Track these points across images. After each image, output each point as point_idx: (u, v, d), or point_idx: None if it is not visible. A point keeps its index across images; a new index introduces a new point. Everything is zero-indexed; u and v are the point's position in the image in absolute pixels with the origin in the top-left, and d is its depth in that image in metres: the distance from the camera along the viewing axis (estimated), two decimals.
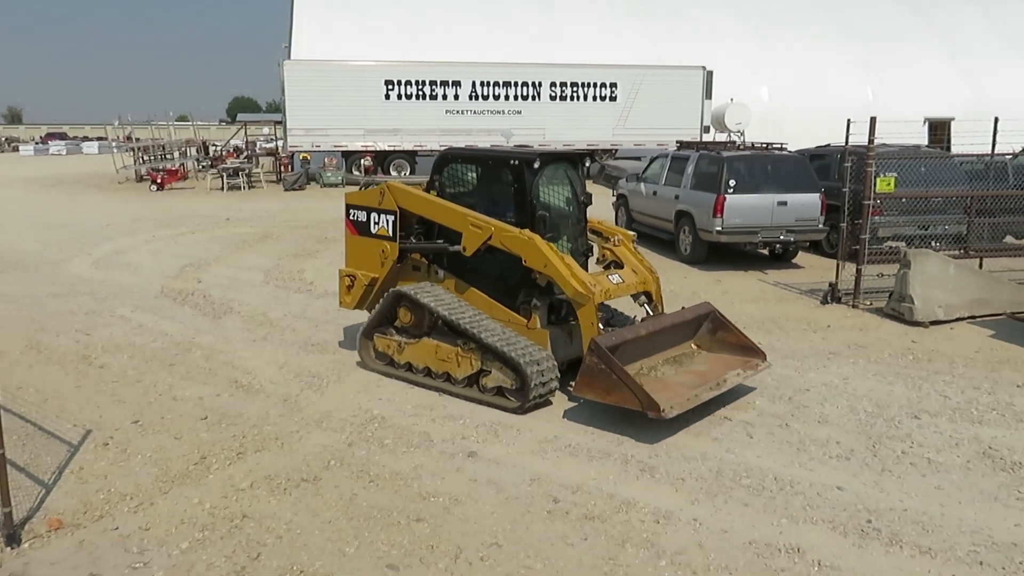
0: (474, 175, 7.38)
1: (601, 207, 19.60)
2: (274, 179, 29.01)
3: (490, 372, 6.48)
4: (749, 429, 6.12)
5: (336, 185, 26.96)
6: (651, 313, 7.05)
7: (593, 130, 29.28)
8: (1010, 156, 14.07)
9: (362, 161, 27.96)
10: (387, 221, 7.34)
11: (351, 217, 7.67)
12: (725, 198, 12.15)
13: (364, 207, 7.53)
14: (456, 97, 28.50)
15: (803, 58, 34.91)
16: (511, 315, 6.86)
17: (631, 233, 7.56)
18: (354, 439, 5.91)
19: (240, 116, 54.24)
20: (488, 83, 28.55)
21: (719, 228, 12.28)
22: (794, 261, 13.55)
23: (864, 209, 10.00)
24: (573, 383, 6.26)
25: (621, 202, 16.15)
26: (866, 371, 7.66)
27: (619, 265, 7.19)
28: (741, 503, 4.97)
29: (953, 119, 31.33)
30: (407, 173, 28.37)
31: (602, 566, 4.26)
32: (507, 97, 28.77)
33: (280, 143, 29.72)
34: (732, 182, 12.26)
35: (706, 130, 29.62)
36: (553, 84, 28.95)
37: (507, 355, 6.24)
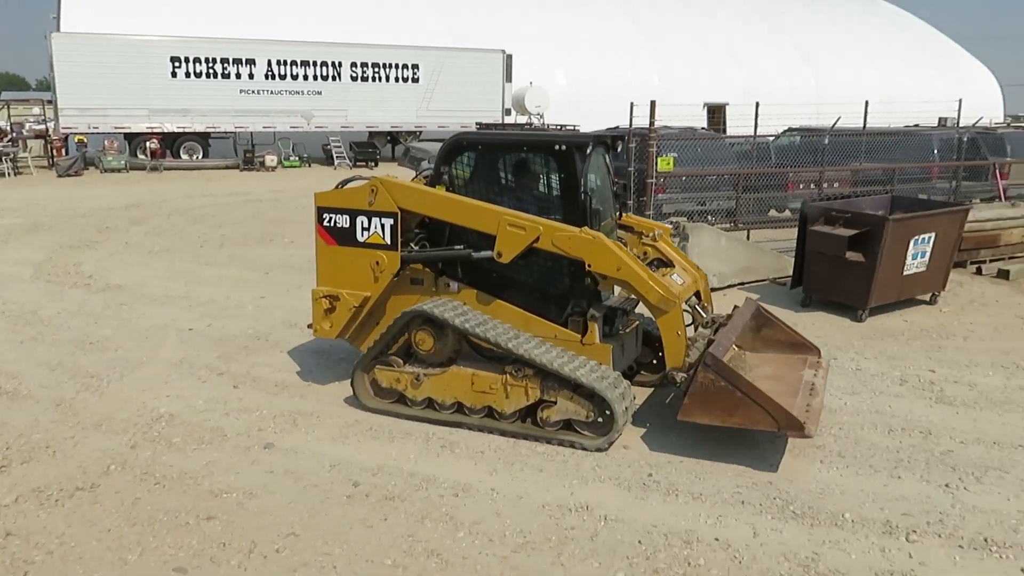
0: (500, 165, 6.14)
1: None
2: (46, 164, 26.24)
3: (554, 403, 5.46)
4: None
5: (119, 170, 24.83)
6: (703, 314, 6.30)
7: (397, 112, 29.04)
8: (772, 138, 15.62)
9: (147, 144, 25.93)
10: (382, 225, 6.03)
11: (326, 223, 6.23)
12: None
13: (346, 210, 6.14)
14: (251, 76, 27.08)
15: (599, 45, 36.62)
16: (558, 330, 5.83)
17: (668, 226, 6.86)
18: (138, 440, 5.53)
19: (3, 95, 48.46)
20: (285, 62, 27.38)
21: None
22: None
23: (647, 187, 10.70)
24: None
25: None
26: None
27: (665, 263, 6.39)
28: (536, 469, 5.20)
29: (728, 104, 34.17)
30: (199, 156, 26.71)
31: (401, 544, 4.30)
32: (306, 77, 27.77)
33: (51, 125, 26.85)
34: None
35: (507, 113, 30.31)
36: (354, 64, 28.32)
37: (581, 382, 5.26)
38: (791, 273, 9.84)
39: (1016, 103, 53.94)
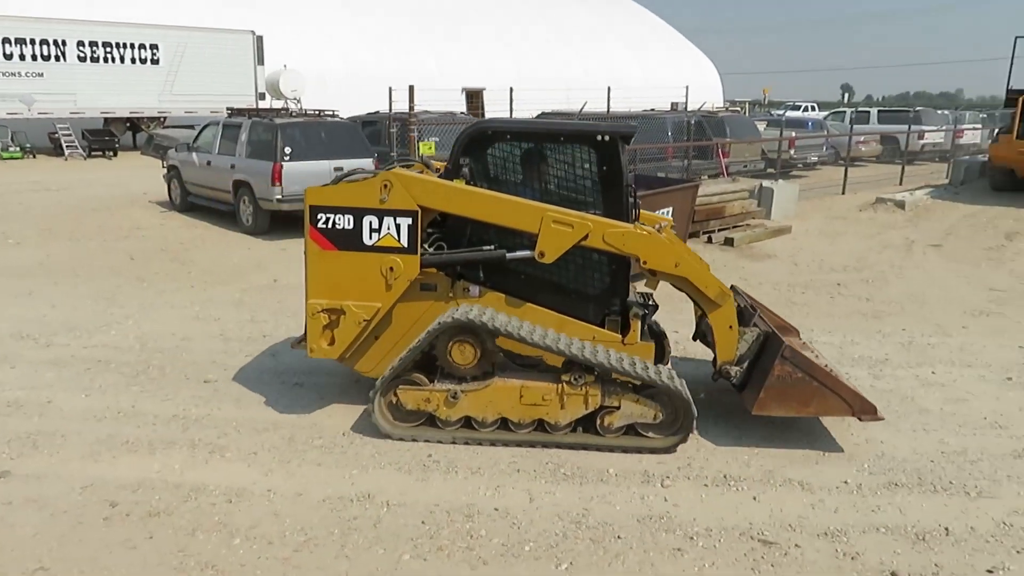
0: (531, 156, 5.64)
1: (152, 180, 18.10)
2: None
3: (617, 408, 5.19)
4: (320, 391, 6.26)
5: None
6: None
7: (136, 96, 26.64)
8: None
9: None
10: (397, 226, 5.30)
11: (321, 224, 5.40)
12: (282, 166, 12.07)
13: (350, 208, 5.34)
14: None
15: (374, 29, 36.09)
16: (596, 331, 5.47)
17: (670, 219, 6.42)
18: None
19: None
20: None
21: (279, 196, 12.17)
22: None
23: None
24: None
25: (173, 174, 15.04)
26: None
27: None
28: (315, 464, 5.08)
29: (485, 89, 35.16)
30: None
31: (171, 561, 4.02)
32: (23, 57, 24.60)
33: None
34: (288, 149, 12.22)
35: (262, 96, 28.94)
36: (81, 43, 25.50)
37: (651, 380, 5.07)
38: None
39: (732, 90, 60.71)
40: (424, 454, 5.22)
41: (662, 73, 42.53)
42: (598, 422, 5.24)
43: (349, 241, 5.36)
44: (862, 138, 24.61)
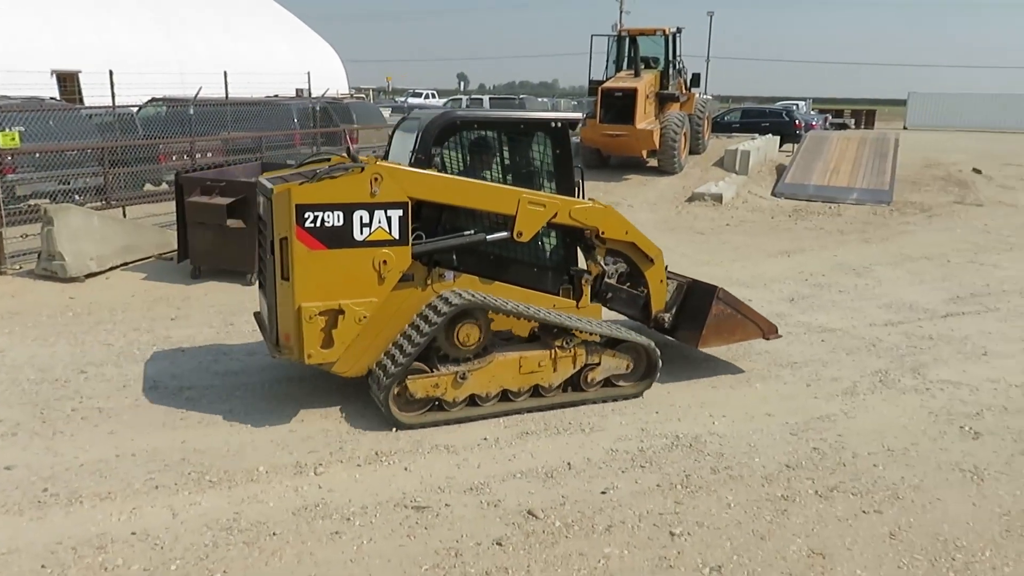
0: (495, 144, 6.06)
1: None
2: None
3: (598, 364, 5.90)
4: None
5: None
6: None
7: None
8: (136, 108, 14.85)
9: None
10: (388, 218, 5.27)
11: (308, 223, 5.09)
12: None
13: (339, 205, 5.14)
14: None
15: None
16: (555, 300, 6.04)
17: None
18: None
19: None
20: None
21: None
22: None
23: None
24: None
25: None
26: (25, 338, 7.23)
27: None
28: None
29: (81, 72, 31.15)
30: None
31: None
32: None
33: None
34: None
35: None
36: None
37: (623, 337, 5.97)
38: (176, 247, 9.63)
39: (356, 77, 61.50)
40: (39, 490, 4.54)
41: (282, 59, 41.45)
42: (582, 379, 5.89)
43: (340, 238, 5.20)
44: None
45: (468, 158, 6.04)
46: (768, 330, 6.67)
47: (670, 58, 18.13)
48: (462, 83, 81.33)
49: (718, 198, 15.79)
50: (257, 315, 6.41)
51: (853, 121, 39.07)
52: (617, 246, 6.28)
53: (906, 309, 8.76)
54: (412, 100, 38.85)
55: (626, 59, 18.32)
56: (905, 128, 43.52)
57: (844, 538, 4.20)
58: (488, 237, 5.74)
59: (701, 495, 4.63)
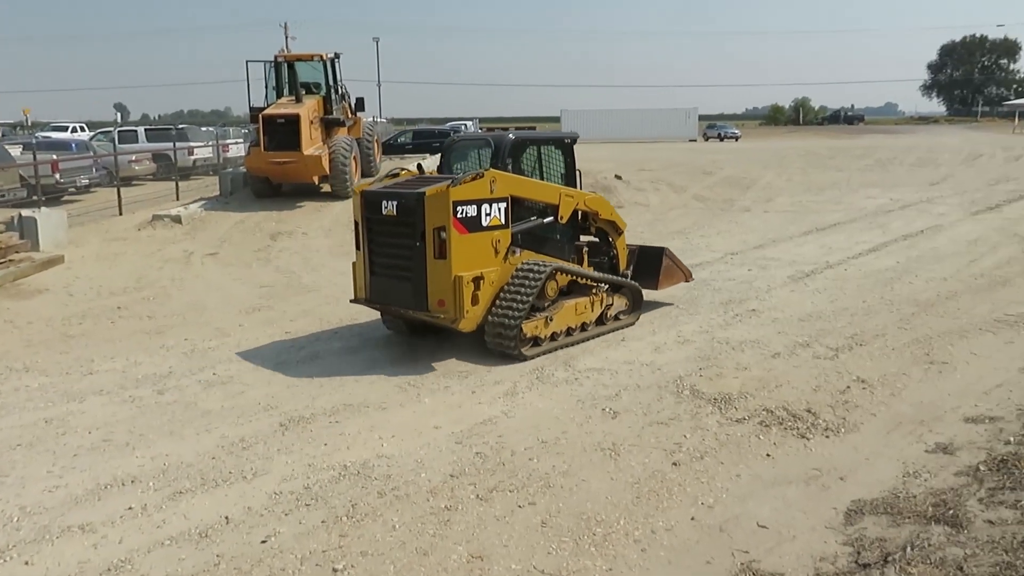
0: (537, 155, 8.45)
1: None
2: None
3: (612, 304, 8.35)
4: None
5: None
6: None
7: None
8: None
9: None
10: (499, 209, 7.41)
11: (459, 214, 7.10)
12: None
13: (474, 200, 7.21)
14: None
15: None
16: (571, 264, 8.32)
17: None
18: None
19: None
20: None
21: None
22: None
23: None
24: None
25: None
26: None
27: None
28: None
29: None
30: None
31: None
32: None
33: None
34: None
35: None
36: None
37: (625, 284, 8.59)
38: None
39: None
40: None
41: None
42: (605, 314, 8.28)
43: (475, 224, 7.23)
44: (134, 157, 24.33)
45: (528, 166, 8.36)
46: (687, 275, 9.62)
47: (331, 83, 18.08)
48: (120, 114, 74.31)
49: None
50: (354, 301, 8.08)
51: None
52: (602, 223, 8.77)
53: None
54: (49, 135, 34.45)
55: (286, 85, 17.93)
56: None
57: (502, 536, 4.39)
58: (544, 221, 8.07)
59: (367, 523, 4.57)
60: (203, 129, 33.34)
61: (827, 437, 5.63)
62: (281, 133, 16.44)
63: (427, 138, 29.11)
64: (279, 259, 13.31)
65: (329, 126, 17.75)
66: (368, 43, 77.02)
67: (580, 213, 8.47)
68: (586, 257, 8.65)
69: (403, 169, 8.27)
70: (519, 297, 7.30)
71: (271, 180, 17.68)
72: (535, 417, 6.11)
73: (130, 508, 4.79)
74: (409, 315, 7.64)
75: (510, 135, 8.18)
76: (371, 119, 24.60)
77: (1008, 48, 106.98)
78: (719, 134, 56.04)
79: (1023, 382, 6.60)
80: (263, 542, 4.38)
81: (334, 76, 18.24)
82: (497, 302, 7.35)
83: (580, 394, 6.58)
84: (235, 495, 4.96)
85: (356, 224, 7.79)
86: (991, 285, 10.18)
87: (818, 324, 8.51)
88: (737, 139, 53.92)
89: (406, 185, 7.54)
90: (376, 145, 20.71)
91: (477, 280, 7.22)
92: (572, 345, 7.83)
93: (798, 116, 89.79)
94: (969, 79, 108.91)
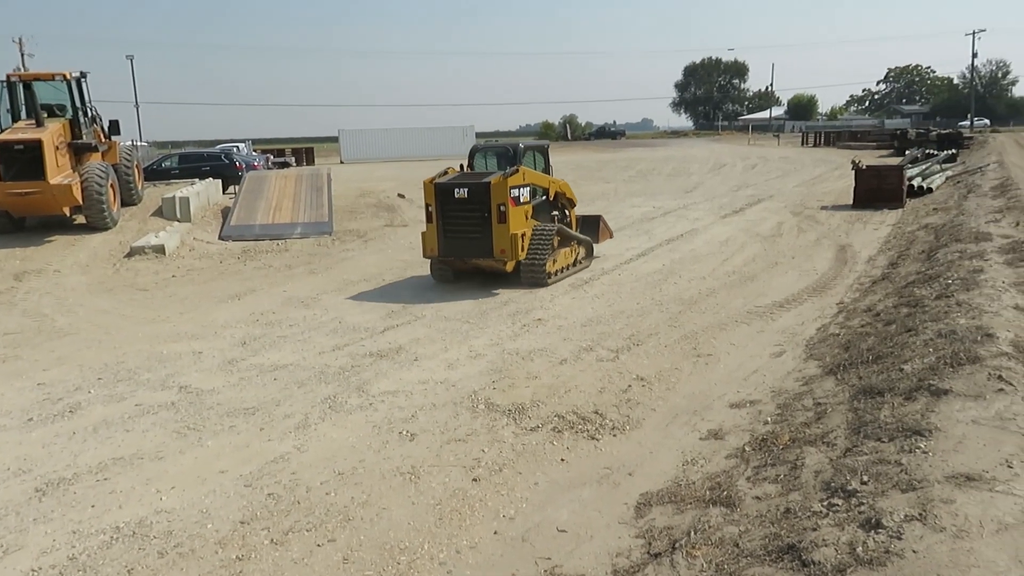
0: (532, 157, 12.88)
1: None
2: None
3: (580, 251, 12.76)
4: None
5: None
6: None
7: None
8: None
9: None
10: (527, 192, 11.50)
11: (512, 195, 11.01)
12: None
13: (516, 186, 11.12)
14: None
15: None
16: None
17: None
18: None
19: None
20: None
21: None
22: None
23: None
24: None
25: None
26: None
27: None
28: None
29: None
30: None
31: None
32: None
33: None
34: None
35: None
36: None
37: (586, 239, 13.00)
38: None
39: None
40: None
41: None
42: (577, 260, 12.65)
43: (517, 202, 11.24)
44: None
45: (525, 164, 12.22)
46: (611, 233, 14.38)
47: (78, 104, 16.47)
48: None
49: (160, 249, 14.90)
50: (427, 256, 11.90)
51: (294, 159, 40.83)
52: (564, 200, 12.86)
53: (350, 331, 9.34)
54: None
55: (24, 108, 16.08)
56: (342, 162, 47.33)
57: None
58: (541, 199, 12.10)
59: None
60: None
61: (614, 436, 5.93)
62: (21, 161, 14.73)
63: (195, 162, 27.21)
64: (26, 301, 11.84)
65: (79, 152, 16.17)
66: (125, 61, 70.95)
67: (555, 193, 12.56)
68: (557, 221, 12.41)
69: (449, 167, 12.17)
70: (542, 248, 11.34)
71: (11, 214, 15.74)
72: (330, 448, 5.88)
73: None
74: (476, 263, 11.47)
75: (520, 145, 13.06)
76: (130, 143, 22.64)
77: (739, 69, 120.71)
78: None
79: (774, 367, 7.38)
80: None
81: (81, 97, 16.65)
82: (529, 252, 11.31)
83: (376, 419, 6.43)
84: None
85: (427, 206, 11.56)
86: (742, 281, 11.35)
87: (599, 328, 8.99)
88: None
89: (468, 178, 11.53)
90: (137, 171, 19.15)
91: (523, 236, 11.26)
92: (568, 277, 12.10)
93: (566, 132, 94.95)
94: (709, 97, 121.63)
